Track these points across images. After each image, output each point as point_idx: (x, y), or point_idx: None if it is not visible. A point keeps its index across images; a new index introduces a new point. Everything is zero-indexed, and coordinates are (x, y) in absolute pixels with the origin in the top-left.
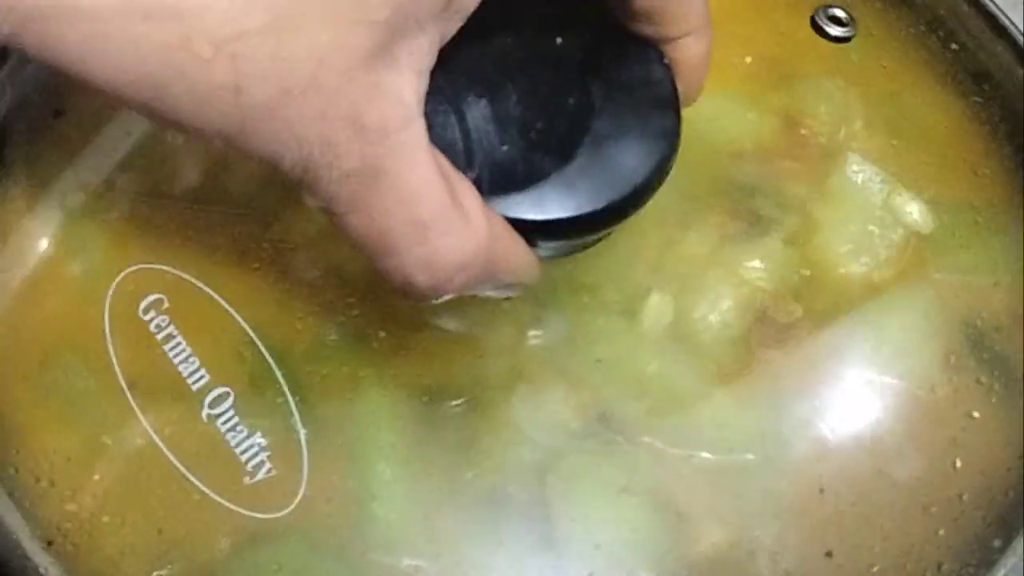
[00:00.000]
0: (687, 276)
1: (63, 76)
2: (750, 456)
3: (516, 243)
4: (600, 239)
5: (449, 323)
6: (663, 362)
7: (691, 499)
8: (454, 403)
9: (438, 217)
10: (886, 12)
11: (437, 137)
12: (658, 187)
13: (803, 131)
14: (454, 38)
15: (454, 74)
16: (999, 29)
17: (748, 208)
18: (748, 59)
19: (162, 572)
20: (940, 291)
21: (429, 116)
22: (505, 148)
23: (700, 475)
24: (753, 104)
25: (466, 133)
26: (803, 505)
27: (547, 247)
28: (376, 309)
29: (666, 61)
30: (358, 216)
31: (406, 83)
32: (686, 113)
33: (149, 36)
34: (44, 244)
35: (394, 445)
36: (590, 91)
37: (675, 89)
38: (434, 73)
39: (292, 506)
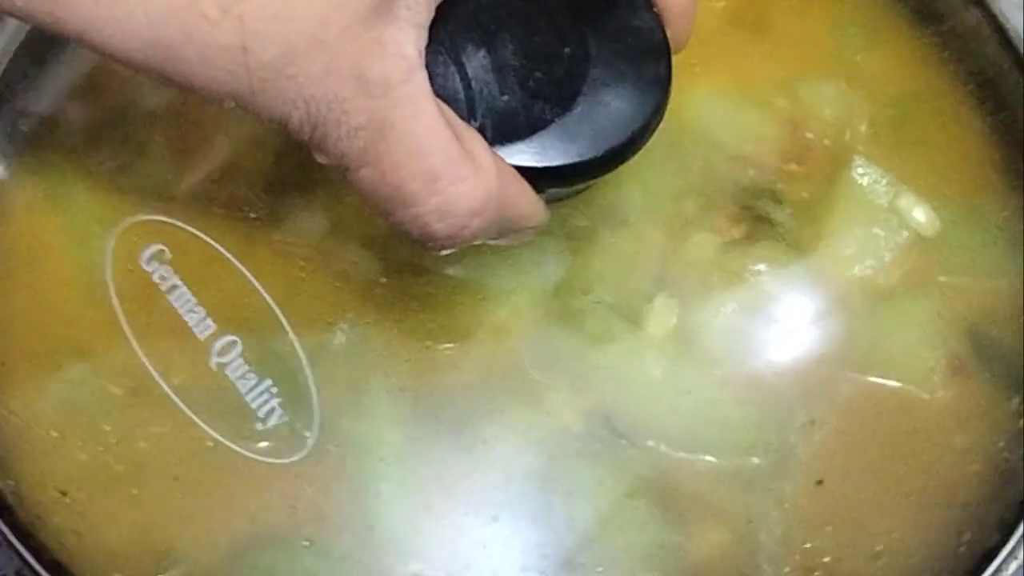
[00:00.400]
0: (692, 279)
1: (79, 46)
2: (755, 460)
3: (523, 188)
4: (595, 182)
5: (454, 270)
6: (667, 365)
7: (696, 502)
8: (449, 345)
9: (449, 166)
10: (892, 16)
11: (439, 88)
12: (654, 132)
13: (808, 134)
14: None
15: (452, 26)
16: (1002, 33)
17: (753, 211)
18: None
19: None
20: (945, 294)
21: (430, 68)
22: (506, 98)
23: (705, 478)
24: (758, 107)
25: (467, 84)
26: (805, 506)
27: (548, 193)
28: (377, 256)
29: (654, 9)
30: (370, 170)
31: (406, 37)
32: (692, 117)
33: (158, 1)
34: (41, 200)
35: (402, 389)
36: (585, 40)
37: (665, 35)
38: (433, 26)
39: (305, 451)
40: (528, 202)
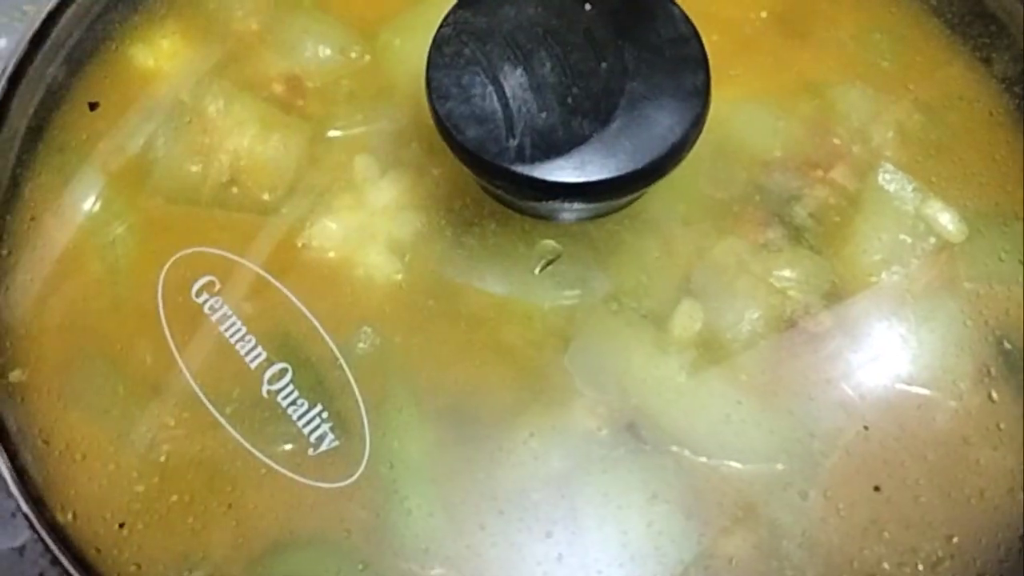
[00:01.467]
0: (717, 285)
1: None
2: (779, 466)
3: None
4: (638, 197)
5: (500, 287)
6: (692, 371)
7: (719, 508)
8: (495, 363)
9: None
10: (919, 22)
11: (477, 108)
12: (694, 144)
13: (835, 140)
14: (483, 11)
15: (488, 45)
16: None
17: (779, 217)
18: (763, 13)
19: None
20: (971, 300)
21: (467, 88)
22: (544, 115)
23: (728, 484)
24: (785, 113)
25: (505, 103)
26: (830, 516)
27: (589, 208)
28: (423, 278)
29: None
30: None
31: None
32: (717, 122)
33: None
34: (92, 236)
35: (451, 409)
36: (622, 54)
37: (703, 46)
38: (468, 45)
39: (356, 474)
40: None
